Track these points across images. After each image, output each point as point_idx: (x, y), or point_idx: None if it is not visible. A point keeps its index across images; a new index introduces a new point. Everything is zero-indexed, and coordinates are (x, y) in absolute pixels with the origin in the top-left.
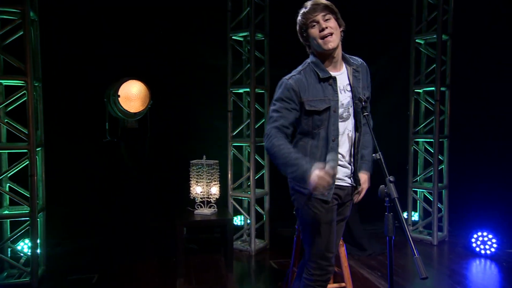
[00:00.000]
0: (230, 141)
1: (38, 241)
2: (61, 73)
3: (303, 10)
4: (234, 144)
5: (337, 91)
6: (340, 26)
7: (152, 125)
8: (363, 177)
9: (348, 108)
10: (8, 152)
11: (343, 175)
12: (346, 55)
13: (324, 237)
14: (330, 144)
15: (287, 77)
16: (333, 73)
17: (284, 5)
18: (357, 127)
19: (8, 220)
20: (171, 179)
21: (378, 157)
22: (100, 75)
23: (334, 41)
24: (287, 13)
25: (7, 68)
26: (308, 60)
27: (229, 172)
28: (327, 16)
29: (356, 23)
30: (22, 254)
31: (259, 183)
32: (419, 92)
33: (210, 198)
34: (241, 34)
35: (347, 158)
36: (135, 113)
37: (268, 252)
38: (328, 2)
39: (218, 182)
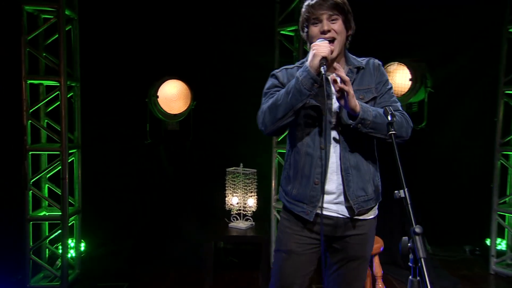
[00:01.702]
0: (275, 147)
1: (72, 243)
2: (103, 72)
3: (308, 1)
4: (279, 150)
5: (330, 94)
6: (348, 30)
7: (194, 127)
8: None
9: (337, 114)
10: (47, 153)
11: (327, 200)
12: (350, 55)
13: (282, 268)
14: (318, 152)
15: (275, 70)
16: (328, 74)
17: None
18: (345, 139)
19: (47, 222)
20: (210, 186)
21: (403, 196)
22: (142, 75)
23: (335, 49)
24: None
25: (49, 68)
26: (305, 59)
27: (273, 181)
28: (334, 17)
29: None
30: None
31: None
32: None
33: (246, 210)
34: (289, 28)
35: (334, 176)
36: (174, 115)
37: None
38: None
39: (255, 194)
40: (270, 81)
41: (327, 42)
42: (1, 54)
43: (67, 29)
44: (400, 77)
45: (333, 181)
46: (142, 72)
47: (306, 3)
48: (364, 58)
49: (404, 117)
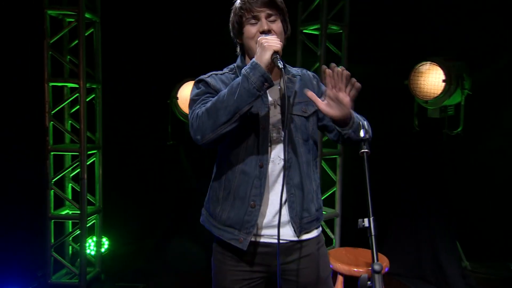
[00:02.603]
0: None
1: (90, 242)
2: (125, 74)
3: None
4: None
5: (267, 104)
6: (285, 32)
7: None
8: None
9: (279, 128)
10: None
11: (266, 224)
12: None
13: None
14: (256, 171)
15: (203, 76)
16: None
17: None
18: (289, 155)
19: (68, 220)
20: None
21: (367, 225)
22: (164, 76)
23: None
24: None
25: (72, 70)
26: (235, 64)
27: None
28: (273, 17)
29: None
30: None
31: (329, 202)
32: None
33: None
34: (312, 27)
35: (274, 197)
36: None
37: None
38: None
39: None
40: (198, 87)
41: (275, 36)
42: (25, 57)
43: (89, 32)
44: (432, 78)
45: (274, 203)
46: (164, 73)
47: (238, 0)
48: (296, 68)
49: (369, 125)
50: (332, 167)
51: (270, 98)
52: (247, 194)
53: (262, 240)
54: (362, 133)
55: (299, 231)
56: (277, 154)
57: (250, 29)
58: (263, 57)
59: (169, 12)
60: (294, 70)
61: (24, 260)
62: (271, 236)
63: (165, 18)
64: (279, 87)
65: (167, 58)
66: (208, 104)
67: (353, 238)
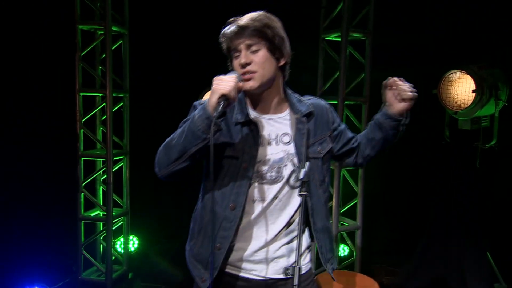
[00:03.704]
0: None
1: (117, 242)
2: (152, 82)
3: (224, 29)
4: None
5: (260, 140)
6: (278, 59)
7: None
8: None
9: (280, 167)
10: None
11: (252, 258)
12: (295, 96)
13: None
14: (226, 212)
15: (200, 101)
16: (263, 116)
17: None
18: (312, 202)
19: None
20: None
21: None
22: (190, 84)
23: (255, 81)
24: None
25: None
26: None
27: None
28: (255, 47)
29: None
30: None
31: (350, 214)
32: None
33: None
34: (333, 35)
35: (266, 236)
36: None
37: None
38: (262, 21)
39: None
40: (189, 113)
41: (235, 76)
42: (57, 68)
43: (118, 44)
44: (462, 88)
45: (256, 237)
46: (190, 81)
47: (222, 32)
48: (309, 98)
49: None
50: (354, 178)
51: (268, 135)
52: (214, 235)
53: (233, 272)
54: (301, 174)
55: (331, 271)
56: (273, 193)
57: (234, 62)
58: (210, 100)
59: (195, 20)
60: (305, 106)
61: (57, 257)
62: (246, 271)
63: (191, 26)
64: (288, 122)
65: (192, 66)
66: (169, 138)
67: (374, 251)
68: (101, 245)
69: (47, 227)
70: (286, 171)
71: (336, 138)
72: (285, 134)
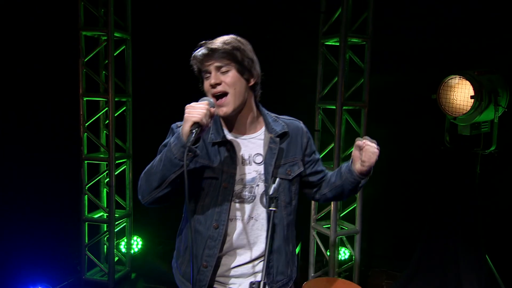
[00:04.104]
0: None
1: (121, 243)
2: (154, 87)
3: (195, 52)
4: None
5: (236, 160)
6: (248, 80)
7: None
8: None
9: (252, 187)
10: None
11: (232, 274)
12: (271, 115)
13: None
14: (210, 231)
15: (178, 123)
16: (237, 136)
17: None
18: (251, 214)
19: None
20: None
21: None
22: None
23: (228, 105)
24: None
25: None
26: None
27: (313, 201)
28: (225, 68)
29: None
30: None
31: (348, 218)
32: None
33: None
34: (333, 40)
35: (251, 254)
36: None
37: None
38: (232, 43)
39: None
40: (167, 136)
41: (206, 102)
42: (61, 74)
43: (121, 49)
44: (461, 94)
45: (240, 253)
46: (192, 86)
47: (193, 55)
48: (285, 118)
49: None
50: None
51: (242, 155)
52: (200, 253)
53: (218, 286)
54: (271, 190)
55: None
56: (248, 213)
57: (205, 83)
58: (183, 128)
59: (197, 25)
60: (279, 126)
61: (61, 258)
62: (227, 285)
63: (193, 31)
64: (261, 142)
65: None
66: (148, 166)
67: (375, 254)
68: (105, 246)
69: (52, 228)
70: (258, 191)
71: (306, 164)
72: (258, 154)
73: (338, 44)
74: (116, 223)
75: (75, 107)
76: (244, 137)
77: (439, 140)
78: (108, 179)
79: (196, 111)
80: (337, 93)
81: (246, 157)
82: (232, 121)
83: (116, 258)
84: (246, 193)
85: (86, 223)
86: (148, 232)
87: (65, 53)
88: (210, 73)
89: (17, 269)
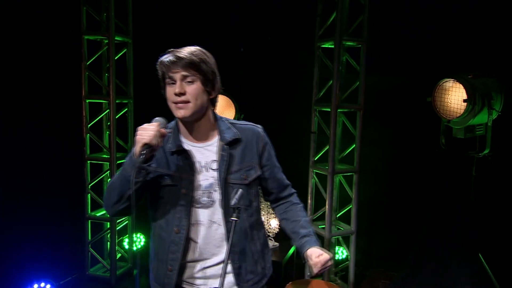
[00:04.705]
0: (311, 167)
1: (124, 240)
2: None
3: (162, 57)
4: (315, 170)
5: (194, 167)
6: (210, 92)
7: None
8: (315, 251)
9: (210, 193)
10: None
11: (200, 275)
12: (226, 124)
13: None
14: (172, 236)
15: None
16: (194, 145)
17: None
18: (228, 218)
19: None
20: None
21: None
22: None
23: (187, 110)
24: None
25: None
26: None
27: (309, 201)
28: (190, 78)
29: None
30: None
31: (344, 219)
32: None
33: (270, 231)
34: (328, 43)
35: (217, 256)
36: None
37: None
38: (199, 56)
39: None
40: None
41: (157, 123)
42: (63, 76)
43: (122, 52)
44: (455, 97)
45: (213, 260)
46: None
47: (160, 60)
48: (243, 124)
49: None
50: (349, 183)
51: (198, 162)
52: (164, 258)
53: (195, 283)
54: (232, 201)
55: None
56: (208, 217)
57: (168, 90)
58: (135, 149)
59: (198, 29)
60: (231, 134)
61: (65, 254)
62: (197, 286)
63: (193, 34)
64: (215, 149)
65: None
66: (110, 182)
67: (373, 255)
68: (108, 243)
69: (56, 226)
70: (217, 196)
71: (263, 168)
72: (213, 161)
73: (332, 46)
74: (118, 221)
75: (79, 109)
76: (201, 145)
77: (435, 142)
78: (110, 179)
79: (146, 133)
80: (331, 96)
81: (203, 164)
82: (190, 130)
83: (119, 255)
84: (205, 198)
85: (89, 221)
86: (149, 230)
87: (68, 56)
88: (175, 80)
89: (23, 264)
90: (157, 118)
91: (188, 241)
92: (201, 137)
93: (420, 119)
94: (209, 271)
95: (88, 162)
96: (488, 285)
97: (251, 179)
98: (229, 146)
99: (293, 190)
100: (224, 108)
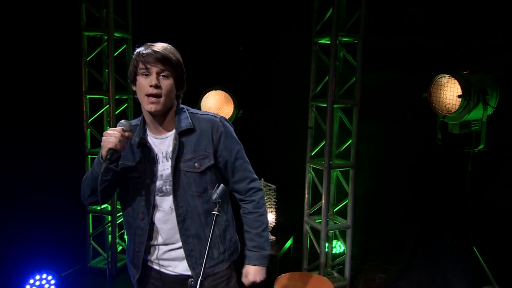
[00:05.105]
0: (308, 162)
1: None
2: None
3: (140, 49)
4: (312, 165)
5: (156, 158)
6: (178, 89)
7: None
8: (247, 271)
9: (170, 181)
10: None
11: (165, 257)
12: (185, 114)
13: None
14: (137, 222)
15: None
16: (156, 137)
17: None
18: (184, 210)
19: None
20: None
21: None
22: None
23: (158, 105)
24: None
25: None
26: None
27: (306, 195)
28: (166, 73)
29: None
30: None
31: (342, 213)
32: None
33: None
34: (325, 39)
35: (174, 239)
36: None
37: None
38: (174, 54)
39: (274, 209)
40: None
41: (121, 128)
42: (63, 72)
43: (122, 48)
44: (450, 93)
45: (168, 239)
46: (192, 83)
47: (137, 51)
48: (201, 114)
49: (260, 200)
50: (346, 178)
51: (158, 152)
52: (133, 240)
53: (156, 267)
54: (213, 196)
55: (199, 275)
56: (169, 205)
57: (141, 81)
58: (102, 152)
59: (198, 24)
60: (185, 123)
61: (68, 247)
62: (164, 267)
63: (193, 30)
64: (172, 139)
65: (194, 68)
66: (85, 175)
67: (370, 249)
68: (110, 236)
69: (58, 219)
70: (171, 185)
71: (219, 158)
72: (170, 151)
73: (328, 42)
74: (118, 214)
75: (79, 105)
76: (161, 136)
77: (430, 138)
78: None
79: (111, 138)
80: (328, 91)
81: (164, 154)
82: (154, 123)
83: (120, 248)
84: (167, 186)
85: (91, 214)
86: None
87: (69, 52)
88: (150, 73)
89: (25, 256)
90: (121, 121)
91: (152, 226)
92: (163, 129)
93: (416, 114)
94: (174, 254)
95: (89, 156)
96: (483, 279)
97: (203, 167)
98: (181, 135)
99: (256, 186)
100: (223, 103)
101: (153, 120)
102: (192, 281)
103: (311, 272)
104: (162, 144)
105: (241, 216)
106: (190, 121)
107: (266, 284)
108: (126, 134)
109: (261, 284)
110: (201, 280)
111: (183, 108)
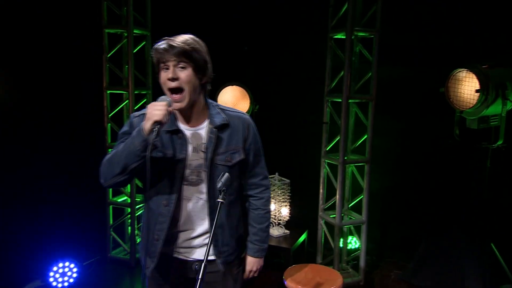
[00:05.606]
0: (323, 157)
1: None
2: None
3: (156, 44)
4: (327, 161)
5: (186, 147)
6: (201, 79)
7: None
8: (249, 259)
9: (199, 172)
10: None
11: (185, 245)
12: (216, 109)
13: None
14: (160, 209)
15: (136, 113)
16: (186, 127)
17: None
18: (213, 195)
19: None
20: None
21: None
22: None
23: (183, 101)
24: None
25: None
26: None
27: (321, 190)
28: (182, 64)
29: None
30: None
31: (357, 209)
32: None
33: (280, 219)
34: (340, 34)
35: (200, 229)
36: None
37: None
38: (191, 44)
39: (289, 204)
40: (126, 126)
41: (165, 102)
42: (86, 68)
43: (142, 44)
44: (468, 87)
45: (197, 231)
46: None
47: (154, 46)
48: (231, 111)
49: (268, 198)
50: (361, 174)
51: (191, 143)
52: (152, 228)
53: (175, 255)
54: (219, 184)
55: (221, 262)
56: (195, 194)
57: (162, 75)
58: (145, 125)
59: (215, 22)
60: (220, 119)
61: (90, 238)
62: (181, 253)
63: (211, 27)
64: (205, 132)
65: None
66: (111, 153)
67: (387, 245)
68: (129, 228)
69: (82, 212)
70: (204, 175)
71: (247, 152)
72: (202, 143)
73: (343, 37)
74: (137, 206)
75: (100, 100)
76: (192, 128)
77: (447, 133)
78: None
79: (157, 110)
80: (343, 86)
81: (194, 145)
82: (183, 114)
83: (139, 240)
84: (194, 177)
85: (111, 206)
86: None
87: (91, 49)
88: (168, 66)
89: (50, 245)
90: (162, 97)
91: (175, 213)
92: (193, 121)
93: (433, 109)
94: (194, 242)
95: (109, 150)
96: (501, 277)
97: (234, 161)
98: (217, 129)
99: (267, 184)
100: (239, 99)
101: (184, 111)
102: (196, 265)
103: (320, 264)
104: (194, 135)
105: (247, 209)
106: (225, 116)
107: (276, 276)
108: (170, 108)
109: (258, 272)
110: (204, 265)
111: (212, 102)
